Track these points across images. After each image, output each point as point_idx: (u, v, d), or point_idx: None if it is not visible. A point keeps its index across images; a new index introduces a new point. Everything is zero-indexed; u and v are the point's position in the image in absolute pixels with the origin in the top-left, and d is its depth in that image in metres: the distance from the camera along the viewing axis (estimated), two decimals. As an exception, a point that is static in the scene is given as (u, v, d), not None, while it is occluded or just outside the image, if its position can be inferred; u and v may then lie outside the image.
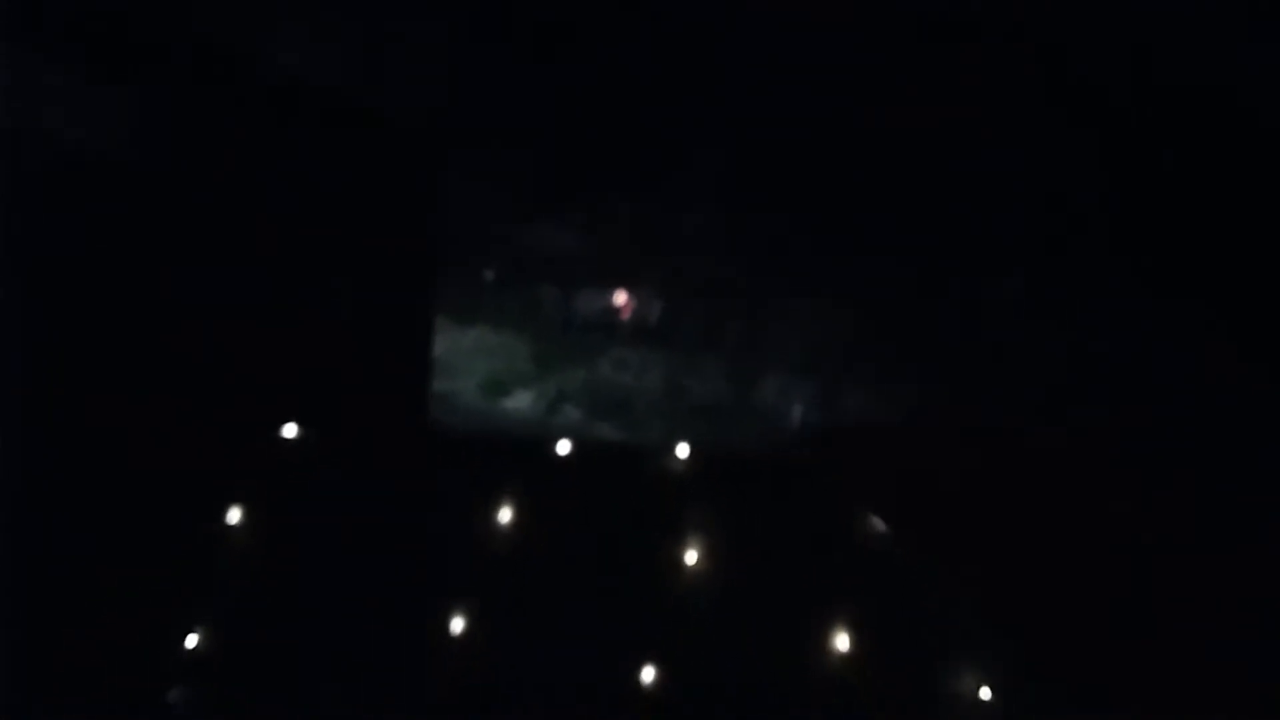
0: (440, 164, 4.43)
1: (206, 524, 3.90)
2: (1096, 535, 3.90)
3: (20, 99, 4.00)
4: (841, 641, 3.87)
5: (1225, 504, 3.89)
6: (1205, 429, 3.94)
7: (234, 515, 3.94)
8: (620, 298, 4.55)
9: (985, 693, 3.89)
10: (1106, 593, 3.83)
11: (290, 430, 4.02)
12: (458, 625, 3.88)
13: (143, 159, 4.11)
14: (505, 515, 3.95)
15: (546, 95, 4.41)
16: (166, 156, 4.13)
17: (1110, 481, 3.92)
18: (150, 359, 4.01)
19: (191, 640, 3.86)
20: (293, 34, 4.27)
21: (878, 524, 4.04)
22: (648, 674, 3.85)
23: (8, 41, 3.96)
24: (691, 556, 3.94)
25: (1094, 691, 3.75)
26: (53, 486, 3.82)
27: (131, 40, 4.09)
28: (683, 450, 4.12)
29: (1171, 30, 3.94)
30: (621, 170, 4.49)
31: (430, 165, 4.41)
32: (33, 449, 3.80)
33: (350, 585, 3.88)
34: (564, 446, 4.10)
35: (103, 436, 3.89)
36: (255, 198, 4.20)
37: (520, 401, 4.52)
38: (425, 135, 4.39)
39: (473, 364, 4.52)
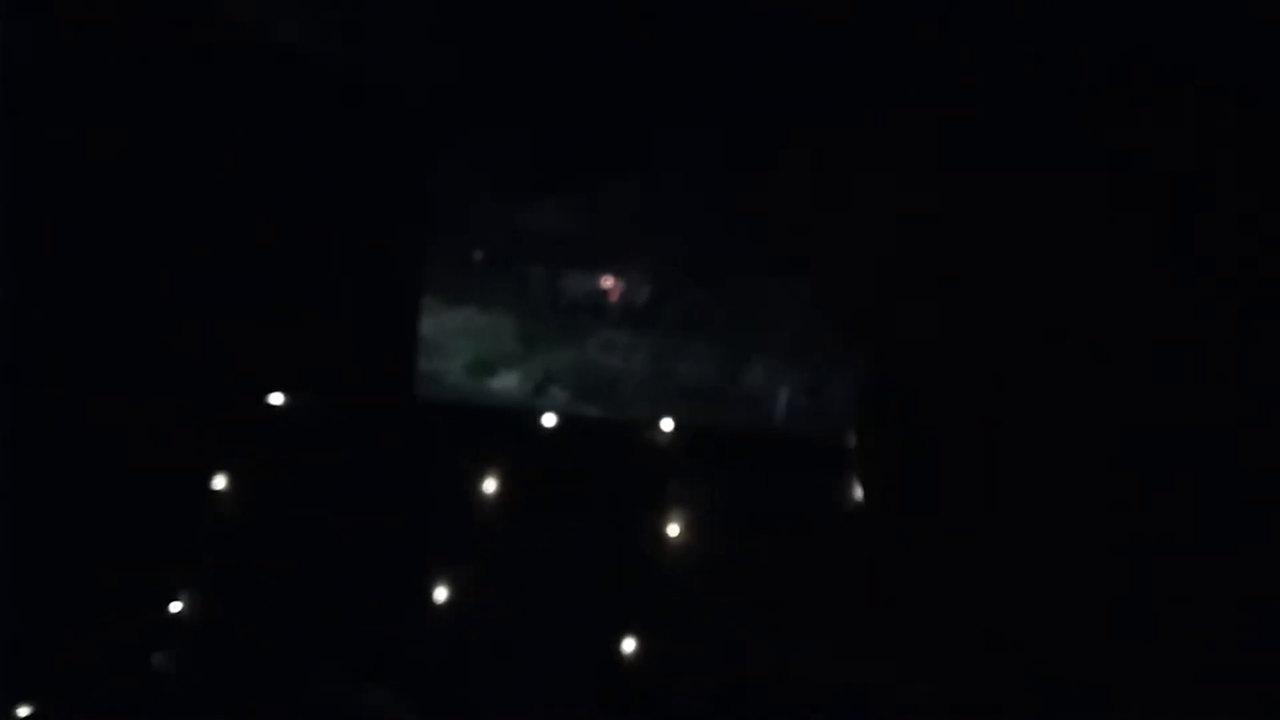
0: (431, 144, 4.41)
1: (195, 493, 3.91)
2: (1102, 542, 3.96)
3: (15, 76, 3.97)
4: (818, 612, 3.95)
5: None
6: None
7: (220, 484, 3.96)
8: (609, 280, 4.55)
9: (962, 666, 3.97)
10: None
11: (275, 400, 4.03)
12: (441, 595, 3.93)
13: (131, 135, 4.09)
14: (489, 487, 3.99)
15: (539, 76, 4.39)
16: (156, 133, 4.11)
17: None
18: (139, 334, 4.01)
19: (176, 606, 3.89)
20: (288, 9, 4.25)
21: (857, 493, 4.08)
22: (628, 645, 3.92)
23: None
24: (674, 529, 4.00)
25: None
26: (41, 457, 3.83)
27: (119, 12, 4.06)
28: (666, 425, 4.16)
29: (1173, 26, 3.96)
30: (612, 152, 4.47)
31: (421, 146, 4.40)
32: (21, 420, 3.80)
33: (335, 557, 3.92)
34: (549, 420, 4.13)
35: (95, 408, 3.89)
36: (244, 175, 4.18)
37: (507, 382, 4.52)
38: (416, 115, 4.37)
39: (460, 344, 4.52)
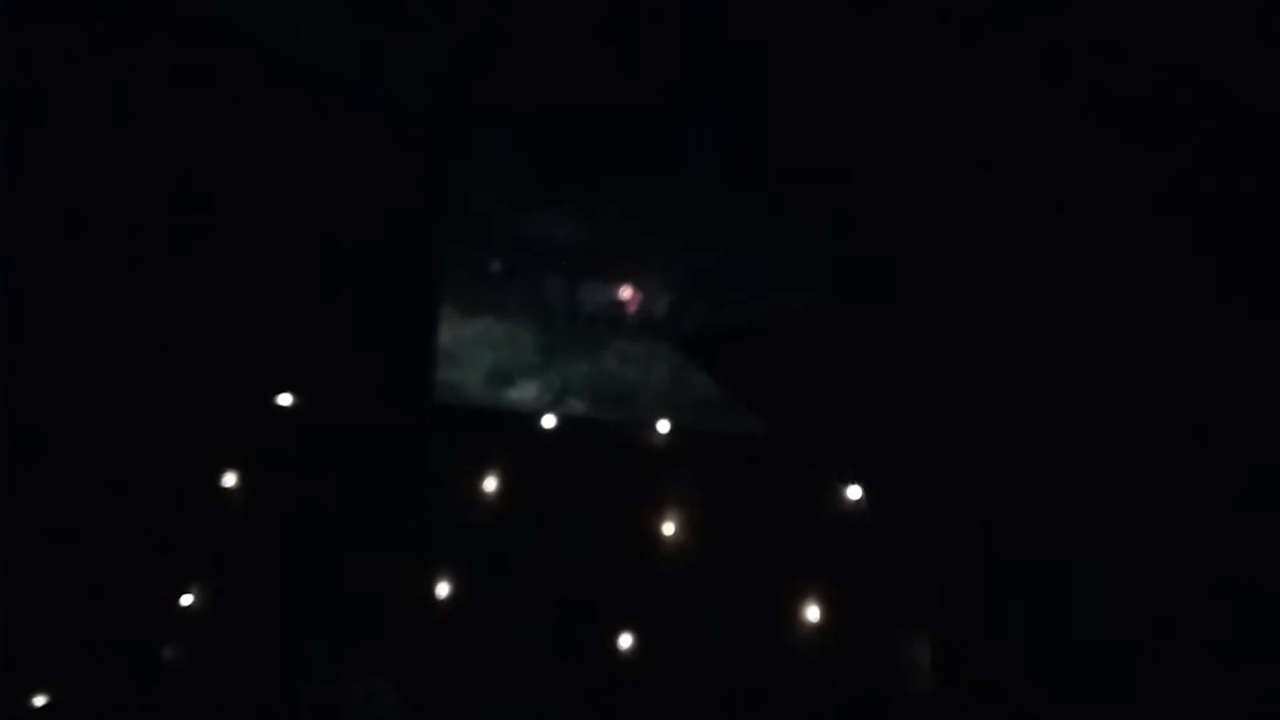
0: (449, 155, 4.47)
1: (209, 491, 3.98)
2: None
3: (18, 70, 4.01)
4: (811, 610, 4.00)
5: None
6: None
7: (232, 482, 4.03)
8: (626, 291, 4.58)
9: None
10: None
11: (286, 400, 4.10)
12: (444, 588, 4.01)
13: (149, 140, 4.16)
14: (493, 485, 4.05)
15: (556, 86, 4.44)
16: (175, 138, 4.18)
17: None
18: (161, 338, 4.07)
19: (186, 599, 3.96)
20: (302, 20, 4.33)
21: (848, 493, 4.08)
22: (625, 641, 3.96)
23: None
24: (670, 527, 4.04)
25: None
26: (56, 451, 3.90)
27: (132, 18, 4.15)
28: (663, 426, 4.24)
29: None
30: (629, 162, 4.51)
31: (439, 156, 4.46)
32: (35, 413, 3.87)
33: (341, 552, 3.98)
34: (549, 421, 4.25)
35: (117, 410, 3.97)
36: (262, 186, 4.24)
37: (525, 392, 4.54)
38: (434, 125, 4.43)
39: (478, 354, 4.55)
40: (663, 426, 4.28)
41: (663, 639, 4.00)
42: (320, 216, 4.27)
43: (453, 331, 4.51)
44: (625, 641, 4.00)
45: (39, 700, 3.85)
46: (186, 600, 3.97)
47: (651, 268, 4.57)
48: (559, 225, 4.56)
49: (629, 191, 4.50)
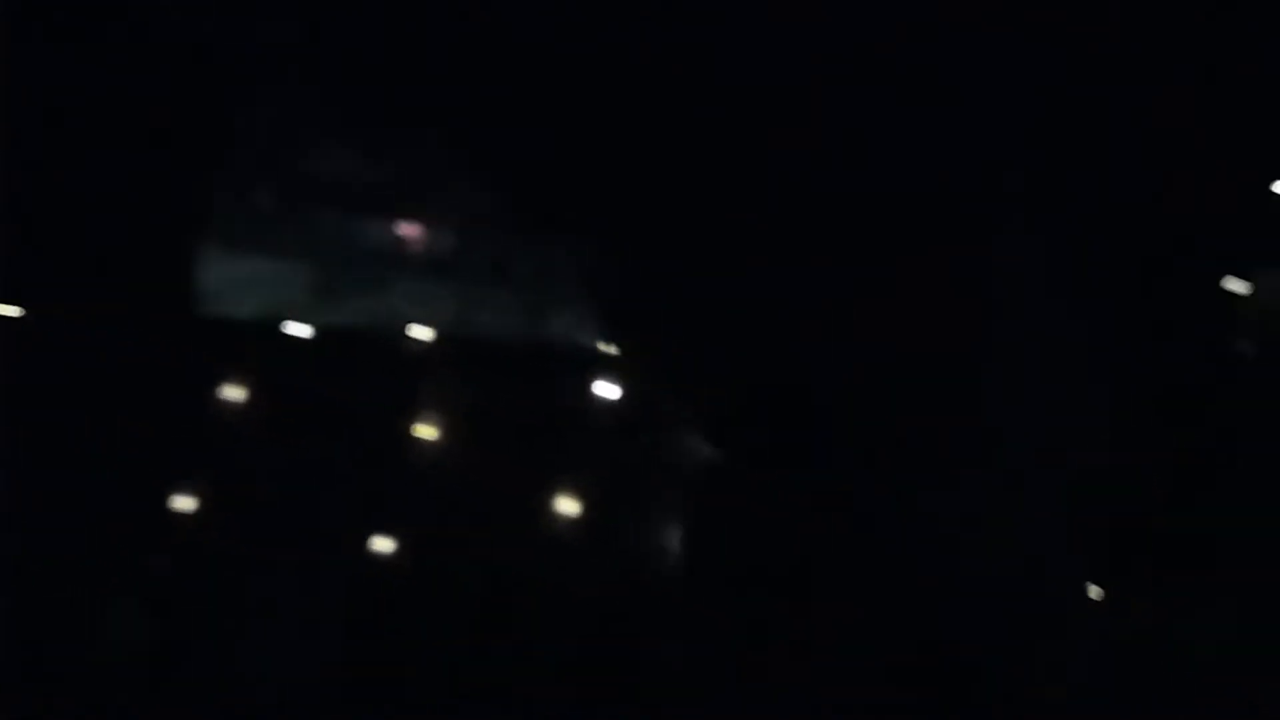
0: (223, 86, 4.25)
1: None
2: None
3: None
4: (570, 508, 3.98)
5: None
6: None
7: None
8: (408, 229, 4.38)
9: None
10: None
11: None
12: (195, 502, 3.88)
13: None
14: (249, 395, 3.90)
15: (337, 20, 4.26)
16: None
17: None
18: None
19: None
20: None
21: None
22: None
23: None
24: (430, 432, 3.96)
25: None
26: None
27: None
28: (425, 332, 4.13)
29: None
30: (410, 97, 4.34)
31: (214, 88, 4.23)
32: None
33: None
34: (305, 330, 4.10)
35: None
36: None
37: (298, 334, 4.32)
38: (210, 57, 4.22)
39: (246, 294, 4.31)
40: (423, 333, 4.13)
41: (426, 542, 3.89)
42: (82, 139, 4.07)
43: (221, 270, 4.27)
44: (389, 545, 3.87)
45: None
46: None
47: (437, 206, 4.39)
48: (338, 161, 4.36)
49: (415, 127, 4.33)
